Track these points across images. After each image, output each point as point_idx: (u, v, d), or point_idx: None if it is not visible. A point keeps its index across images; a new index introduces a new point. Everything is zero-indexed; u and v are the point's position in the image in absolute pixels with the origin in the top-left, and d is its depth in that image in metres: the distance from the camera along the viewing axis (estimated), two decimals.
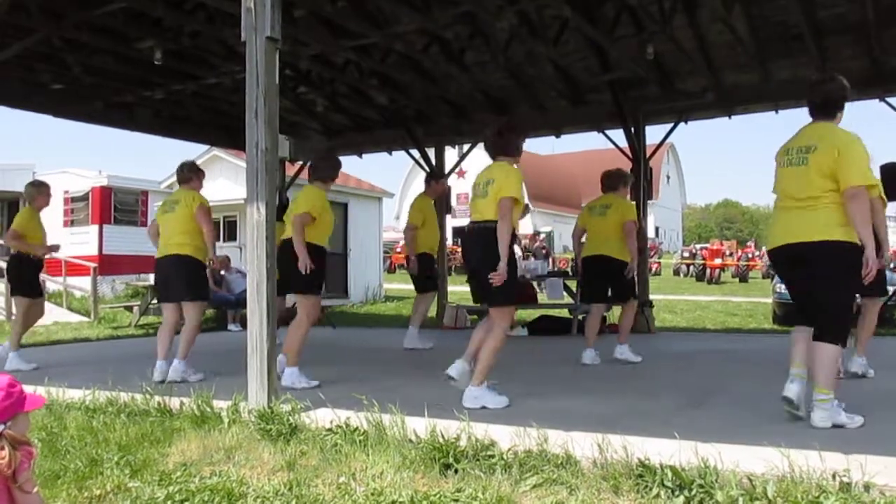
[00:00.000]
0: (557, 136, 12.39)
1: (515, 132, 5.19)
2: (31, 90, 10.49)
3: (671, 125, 11.10)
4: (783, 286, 11.68)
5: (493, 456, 3.42)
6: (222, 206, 16.31)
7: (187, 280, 6.47)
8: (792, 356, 4.34)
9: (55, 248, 8.00)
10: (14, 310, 14.15)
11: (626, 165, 10.67)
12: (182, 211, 6.46)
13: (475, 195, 5.02)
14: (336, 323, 12.32)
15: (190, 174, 6.74)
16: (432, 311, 12.96)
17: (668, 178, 50.42)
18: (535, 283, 12.08)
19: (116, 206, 19.38)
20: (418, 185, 9.18)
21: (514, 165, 5.06)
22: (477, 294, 5.12)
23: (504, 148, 5.08)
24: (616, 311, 8.38)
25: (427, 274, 8.59)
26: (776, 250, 4.36)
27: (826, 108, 4.30)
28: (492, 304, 5.00)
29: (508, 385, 5.74)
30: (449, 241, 21.33)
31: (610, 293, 7.24)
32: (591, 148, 41.32)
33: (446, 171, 12.89)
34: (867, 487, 2.80)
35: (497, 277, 4.70)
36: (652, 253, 28.46)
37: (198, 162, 19.19)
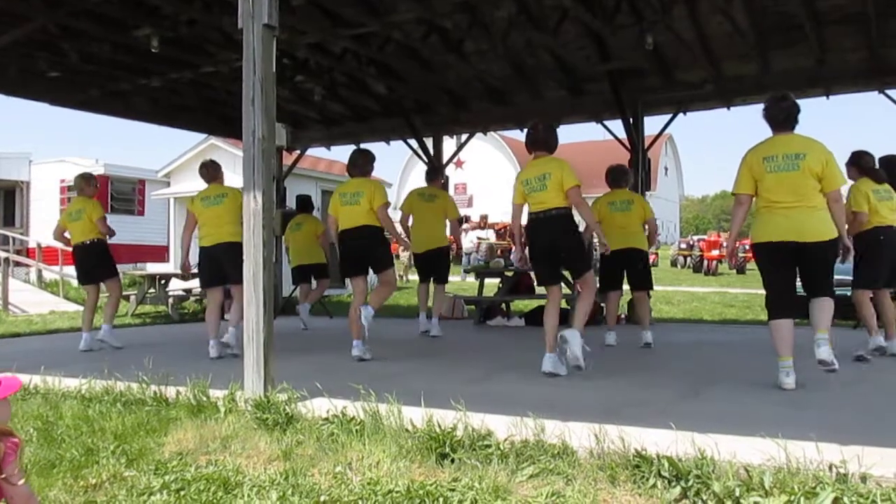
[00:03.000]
0: (556, 126, 12.34)
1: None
2: (27, 77, 10.45)
3: (670, 116, 11.08)
4: None
5: (489, 446, 3.41)
6: None
7: (240, 264, 6.95)
8: (790, 343, 4.94)
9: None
10: (7, 299, 14.14)
11: (625, 156, 10.67)
12: (230, 204, 7.04)
13: (531, 189, 5.78)
14: (333, 312, 12.30)
15: (216, 172, 7.40)
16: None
17: (667, 169, 50.32)
18: (531, 274, 12.08)
19: (113, 194, 19.35)
20: (416, 175, 9.17)
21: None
22: (551, 273, 5.88)
23: (551, 143, 6.07)
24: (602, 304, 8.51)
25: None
26: (783, 244, 4.90)
27: (789, 122, 5.01)
28: (579, 275, 5.93)
29: (506, 375, 5.76)
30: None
31: (627, 281, 7.63)
32: (590, 139, 41.29)
33: (444, 160, 12.87)
34: (864, 479, 2.80)
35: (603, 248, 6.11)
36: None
37: (195, 151, 19.21)
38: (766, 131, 5.12)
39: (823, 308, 4.93)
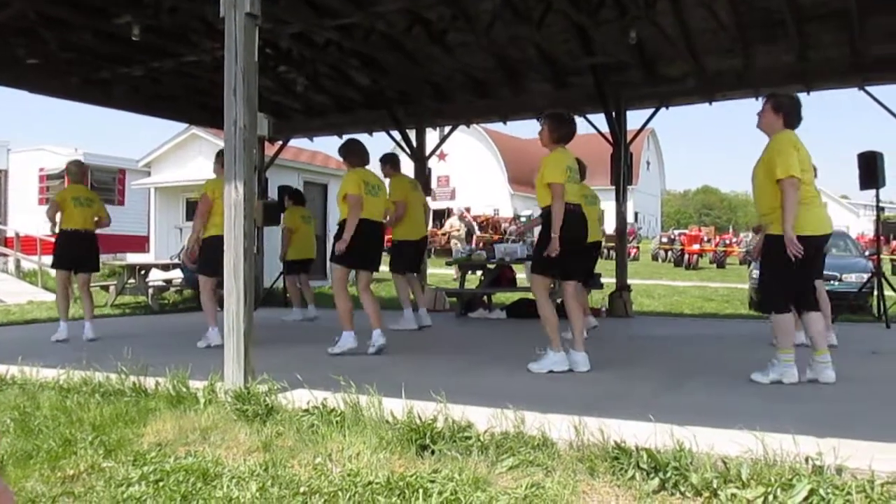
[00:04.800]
0: (538, 119, 12.35)
1: None
2: (5, 64, 10.28)
3: (652, 110, 11.12)
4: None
5: (469, 437, 3.42)
6: (200, 185, 16.17)
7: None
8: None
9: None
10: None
11: (607, 150, 10.71)
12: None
13: (571, 178, 5.58)
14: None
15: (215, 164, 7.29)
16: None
17: (648, 163, 50.61)
18: (513, 266, 12.10)
19: (93, 184, 19.08)
20: (402, 166, 9.01)
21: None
22: (580, 270, 6.06)
23: None
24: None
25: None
26: (825, 237, 5.02)
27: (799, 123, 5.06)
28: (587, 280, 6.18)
29: (487, 367, 5.77)
30: (429, 225, 21.32)
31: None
32: None
33: (427, 152, 12.84)
34: (839, 471, 2.84)
35: None
36: (631, 238, 28.61)
37: (176, 140, 18.98)
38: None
39: (823, 325, 5.15)
